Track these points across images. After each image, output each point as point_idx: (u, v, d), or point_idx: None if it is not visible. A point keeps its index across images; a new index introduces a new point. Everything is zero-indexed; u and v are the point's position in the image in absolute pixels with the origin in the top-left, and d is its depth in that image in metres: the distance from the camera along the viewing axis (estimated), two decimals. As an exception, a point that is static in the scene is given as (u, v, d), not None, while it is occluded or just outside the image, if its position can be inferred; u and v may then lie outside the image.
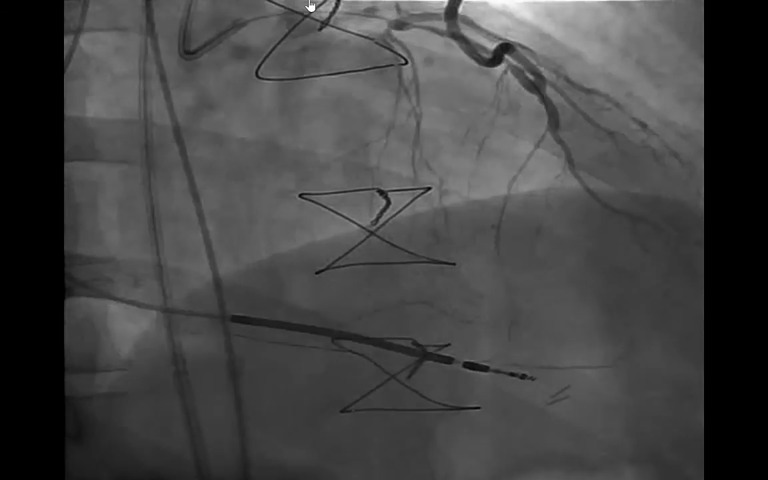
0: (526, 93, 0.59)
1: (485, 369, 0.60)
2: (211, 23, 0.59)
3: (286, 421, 0.60)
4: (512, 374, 0.60)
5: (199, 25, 0.59)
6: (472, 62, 0.59)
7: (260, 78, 0.59)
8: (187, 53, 0.59)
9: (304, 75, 0.59)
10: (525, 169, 0.59)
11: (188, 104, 0.59)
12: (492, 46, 0.59)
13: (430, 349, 0.60)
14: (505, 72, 0.59)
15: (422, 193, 0.59)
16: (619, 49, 0.59)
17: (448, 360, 0.60)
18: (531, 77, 0.59)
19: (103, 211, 0.60)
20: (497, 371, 0.60)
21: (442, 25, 0.59)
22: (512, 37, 0.59)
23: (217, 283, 0.60)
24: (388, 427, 0.60)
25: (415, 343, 0.60)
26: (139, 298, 0.60)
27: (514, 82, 0.59)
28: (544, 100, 0.59)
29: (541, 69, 0.59)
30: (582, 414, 0.60)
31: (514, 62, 0.59)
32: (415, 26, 0.59)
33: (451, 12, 0.58)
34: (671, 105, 0.59)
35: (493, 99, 0.59)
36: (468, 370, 0.60)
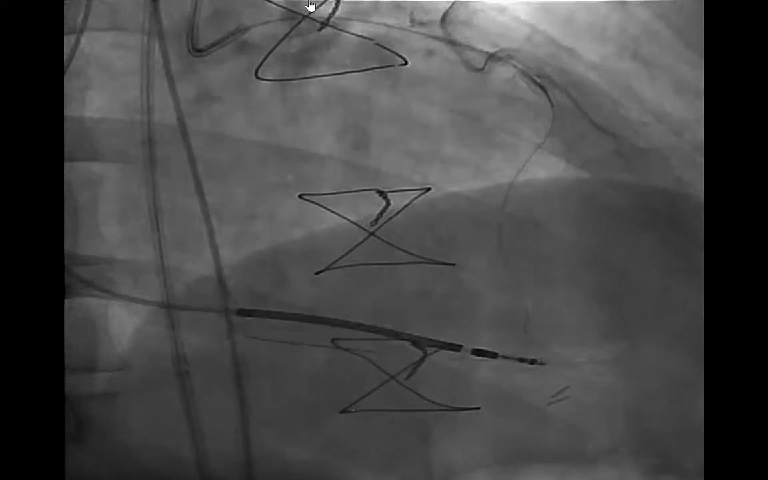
0: (530, 92, 0.59)
1: (494, 356, 0.59)
2: (215, 19, 0.59)
3: (287, 421, 0.60)
4: (521, 360, 0.59)
5: (204, 22, 0.59)
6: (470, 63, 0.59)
7: (259, 78, 0.59)
8: (196, 51, 0.59)
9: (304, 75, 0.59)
10: (526, 167, 0.59)
11: (190, 100, 0.59)
12: (490, 49, 0.59)
13: (430, 349, 0.60)
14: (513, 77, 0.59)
15: (422, 194, 0.59)
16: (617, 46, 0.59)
17: (457, 347, 0.59)
18: (537, 79, 0.59)
19: (103, 211, 0.60)
20: (506, 357, 0.59)
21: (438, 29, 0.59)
22: (510, 38, 0.59)
23: (220, 281, 0.60)
24: (388, 427, 0.60)
25: (414, 342, 0.60)
26: (139, 297, 0.60)
27: (515, 81, 0.59)
28: (550, 99, 0.59)
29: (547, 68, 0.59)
30: (581, 410, 0.60)
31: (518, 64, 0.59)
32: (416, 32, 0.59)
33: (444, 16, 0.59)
34: (669, 100, 0.59)
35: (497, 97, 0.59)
36: (475, 357, 0.59)
